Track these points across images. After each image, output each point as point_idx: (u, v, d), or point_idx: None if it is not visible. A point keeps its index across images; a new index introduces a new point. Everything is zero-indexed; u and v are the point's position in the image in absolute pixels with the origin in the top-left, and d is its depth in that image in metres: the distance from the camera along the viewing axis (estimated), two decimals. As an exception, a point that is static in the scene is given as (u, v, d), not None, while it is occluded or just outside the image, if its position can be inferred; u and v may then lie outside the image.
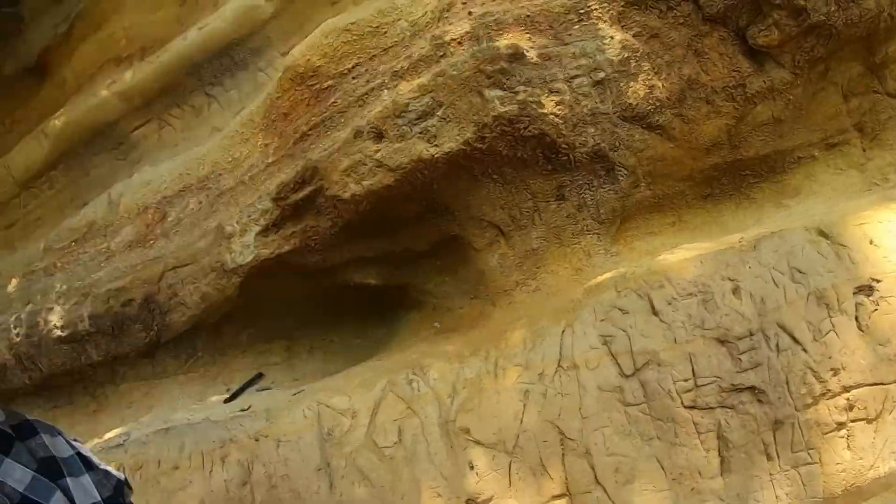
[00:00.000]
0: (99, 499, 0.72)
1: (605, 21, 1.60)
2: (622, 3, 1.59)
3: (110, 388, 2.30)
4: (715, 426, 1.40)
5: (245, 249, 1.77)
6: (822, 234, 1.43)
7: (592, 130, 1.62)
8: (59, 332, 2.15)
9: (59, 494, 0.70)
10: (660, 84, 1.60)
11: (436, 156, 1.58)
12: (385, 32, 1.69)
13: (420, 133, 1.58)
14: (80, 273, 2.17)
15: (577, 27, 1.60)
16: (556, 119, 1.57)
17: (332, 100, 1.73)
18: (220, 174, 1.97)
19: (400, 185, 1.62)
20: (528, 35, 1.57)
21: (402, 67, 1.63)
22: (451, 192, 1.69)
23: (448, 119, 1.55)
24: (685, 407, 1.41)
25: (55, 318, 2.14)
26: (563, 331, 1.53)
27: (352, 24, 1.71)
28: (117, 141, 2.50)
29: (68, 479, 0.72)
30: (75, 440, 0.76)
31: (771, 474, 1.36)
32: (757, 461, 1.37)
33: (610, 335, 1.49)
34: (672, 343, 1.44)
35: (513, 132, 1.56)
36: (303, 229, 1.77)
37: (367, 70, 1.72)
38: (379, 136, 1.61)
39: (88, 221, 2.26)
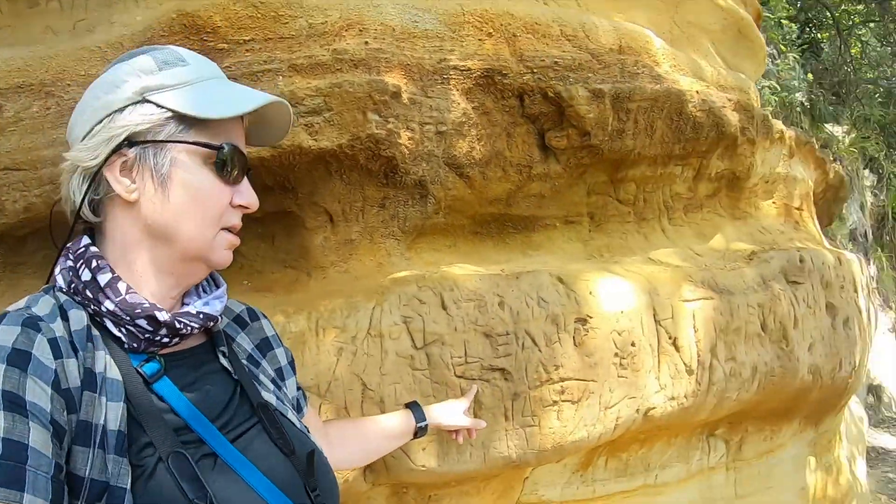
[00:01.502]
0: (286, 362, 1.38)
1: (458, 90, 2.22)
2: (472, 82, 2.23)
3: None
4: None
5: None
6: (560, 280, 2.24)
7: (424, 165, 2.21)
8: None
9: (265, 361, 1.32)
10: (478, 147, 2.28)
11: (312, 148, 2.00)
12: (286, 24, 2.03)
13: (305, 125, 2.00)
14: None
15: (438, 86, 2.20)
16: (405, 150, 2.13)
17: (227, 63, 1.99)
18: (68, 85, 2.03)
19: (272, 161, 2.01)
20: (406, 80, 2.12)
21: (300, 63, 2.01)
22: (306, 177, 2.13)
23: (332, 123, 2.01)
24: (456, 376, 2.07)
25: None
26: (374, 307, 2.09)
27: (261, 2, 2.02)
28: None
29: (274, 349, 1.36)
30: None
31: (506, 430, 2.10)
32: (499, 420, 2.09)
33: (409, 317, 2.08)
34: (454, 331, 2.09)
35: (375, 149, 2.08)
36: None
37: (262, 49, 2.04)
38: (270, 115, 1.96)
39: None
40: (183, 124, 1.06)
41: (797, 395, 2.68)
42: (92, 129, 1.05)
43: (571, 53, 2.35)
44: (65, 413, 0.93)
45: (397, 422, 1.73)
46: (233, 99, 1.10)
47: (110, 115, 1.04)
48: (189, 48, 2.03)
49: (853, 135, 8.03)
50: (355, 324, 2.05)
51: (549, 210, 2.57)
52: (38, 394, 0.91)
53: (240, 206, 1.12)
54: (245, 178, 1.14)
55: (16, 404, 0.89)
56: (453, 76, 2.23)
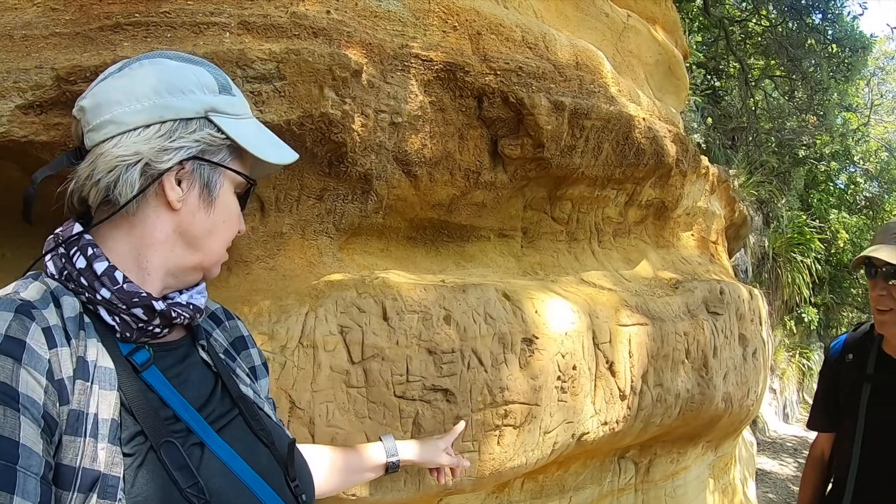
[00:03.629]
0: (260, 363, 1.23)
1: (417, 80, 1.84)
2: (432, 74, 1.86)
3: None
4: (414, 414, 1.69)
5: (-9, 118, 1.40)
6: (506, 296, 1.89)
7: (373, 157, 1.82)
8: None
9: (240, 358, 1.19)
10: (430, 146, 1.91)
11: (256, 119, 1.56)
12: (237, -25, 1.61)
13: (252, 91, 1.57)
14: None
15: (398, 73, 1.81)
16: (357, 137, 1.74)
17: (165, 9, 1.56)
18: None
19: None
20: (367, 60, 1.72)
21: (253, 22, 1.59)
22: (241, 156, 1.65)
23: (283, 94, 1.58)
24: (396, 396, 1.67)
25: None
26: (307, 313, 1.68)
27: (206, -58, 1.58)
28: None
29: (249, 349, 1.23)
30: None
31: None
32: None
33: (347, 326, 1.68)
34: (395, 344, 1.70)
35: (326, 132, 1.67)
36: (69, 124, 1.51)
37: (208, 1, 1.59)
38: (212, 74, 1.50)
39: None
40: (232, 153, 1.04)
41: (710, 421, 2.51)
42: (150, 124, 0.97)
43: (535, 61, 2.03)
44: (57, 405, 0.85)
45: (368, 455, 1.45)
46: (277, 145, 1.11)
47: (176, 121, 0.98)
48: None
49: (742, 178, 8.30)
50: (286, 331, 1.62)
51: (487, 221, 2.23)
52: (31, 386, 0.82)
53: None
54: None
55: (8, 396, 0.79)
56: (414, 65, 1.85)
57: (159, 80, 0.98)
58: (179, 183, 0.99)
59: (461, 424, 1.62)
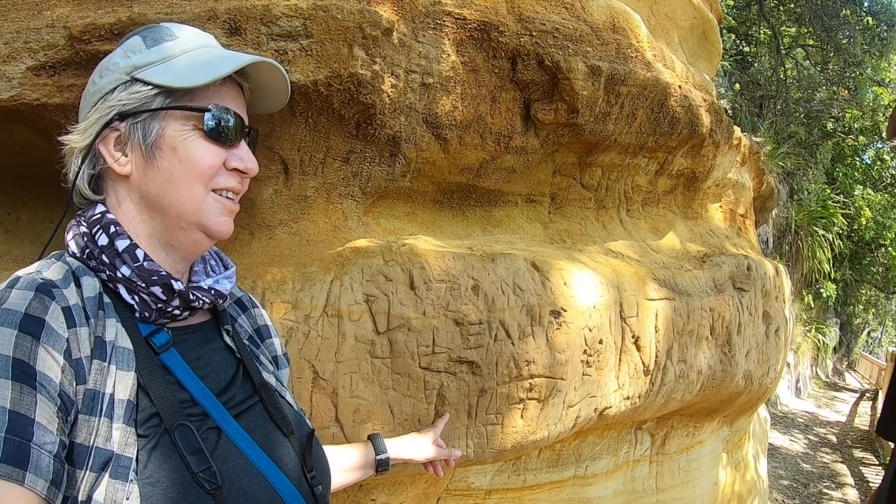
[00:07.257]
0: (281, 353, 1.19)
1: (450, 39, 1.71)
2: (466, 33, 1.73)
3: None
4: (439, 386, 1.62)
5: (2, 81, 1.30)
6: (535, 267, 1.79)
7: (403, 119, 1.71)
8: None
9: (263, 345, 1.15)
10: (461, 108, 1.78)
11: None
12: (260, -77, 1.48)
13: (276, 51, 1.46)
14: None
15: (430, 32, 1.68)
16: (386, 98, 1.62)
17: None
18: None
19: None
20: (398, 17, 1.60)
21: None
22: (264, 115, 1.55)
23: (310, 53, 1.46)
24: (421, 367, 1.59)
25: None
26: (332, 281, 1.60)
27: None
28: None
29: (272, 338, 1.18)
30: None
31: (468, 427, 1.63)
32: (461, 417, 1.63)
33: (373, 295, 1.59)
34: (422, 315, 1.62)
35: (354, 93, 1.56)
36: (83, 85, 1.41)
37: (227, -52, 1.46)
38: (234, 31, 1.41)
39: None
40: (171, 97, 0.95)
41: (729, 398, 2.43)
42: (87, 114, 0.96)
43: (571, 23, 1.88)
44: (74, 384, 0.83)
45: (357, 454, 1.40)
46: (212, 64, 0.96)
47: (102, 97, 0.95)
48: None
49: (769, 148, 8.02)
50: (310, 300, 1.54)
51: (515, 186, 2.12)
52: (49, 364, 0.80)
53: (235, 169, 0.98)
54: (244, 142, 1.01)
55: (26, 374, 0.77)
56: (447, 23, 1.72)
57: (94, 74, 0.99)
58: (125, 148, 0.95)
59: (445, 416, 1.59)
